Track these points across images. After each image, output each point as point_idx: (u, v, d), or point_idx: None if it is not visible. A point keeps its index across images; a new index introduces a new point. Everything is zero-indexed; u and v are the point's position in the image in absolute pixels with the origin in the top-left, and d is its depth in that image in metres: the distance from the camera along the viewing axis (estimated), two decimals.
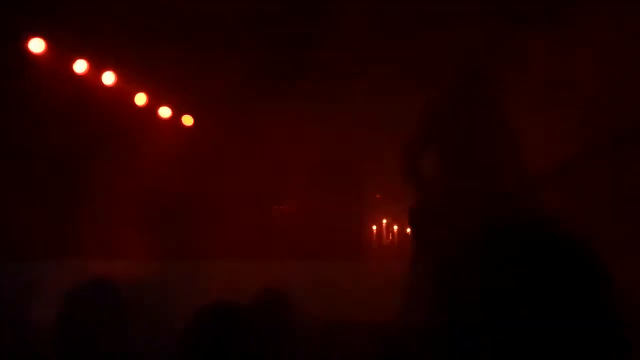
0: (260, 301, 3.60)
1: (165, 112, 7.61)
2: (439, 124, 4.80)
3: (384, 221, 8.54)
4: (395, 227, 8.48)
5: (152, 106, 7.45)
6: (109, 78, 6.89)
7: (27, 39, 6.16)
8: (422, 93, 6.21)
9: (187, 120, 7.82)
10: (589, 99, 5.27)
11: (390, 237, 8.48)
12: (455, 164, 4.70)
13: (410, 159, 4.74)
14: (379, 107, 6.78)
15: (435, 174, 4.75)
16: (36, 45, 6.17)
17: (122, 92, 7.08)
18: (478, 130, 4.70)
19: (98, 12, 6.04)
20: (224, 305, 2.75)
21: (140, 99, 7.28)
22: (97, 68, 6.76)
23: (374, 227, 8.51)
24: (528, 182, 4.65)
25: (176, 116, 7.70)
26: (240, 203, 7.49)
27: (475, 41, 5.04)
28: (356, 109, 6.87)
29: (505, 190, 4.70)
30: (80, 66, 6.61)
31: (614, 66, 5.19)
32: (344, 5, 6.22)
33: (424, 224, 4.68)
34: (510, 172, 4.73)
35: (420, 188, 4.74)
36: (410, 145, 4.76)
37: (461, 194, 4.58)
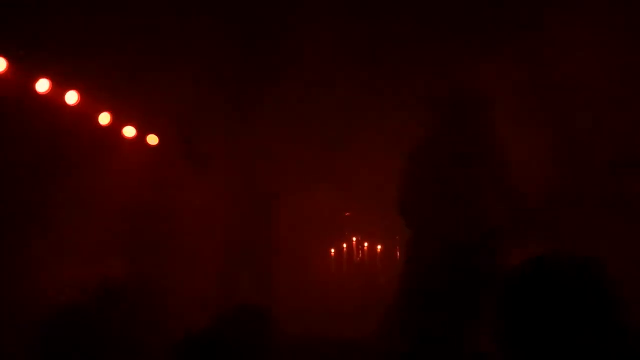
0: (236, 317, 3.56)
1: (129, 131, 7.49)
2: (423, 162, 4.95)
3: (354, 239, 8.52)
4: (365, 245, 8.47)
5: (116, 125, 7.33)
6: (72, 97, 6.76)
7: None
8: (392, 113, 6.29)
9: (152, 139, 7.70)
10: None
11: (360, 255, 8.46)
12: (441, 197, 4.84)
13: (401, 197, 4.94)
14: (348, 125, 6.79)
15: (424, 207, 4.90)
16: None
17: (86, 112, 6.95)
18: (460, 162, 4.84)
19: (60, 31, 5.96)
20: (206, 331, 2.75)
21: (104, 118, 7.15)
22: (59, 87, 6.63)
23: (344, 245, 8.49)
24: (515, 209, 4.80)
25: (141, 135, 7.59)
26: (206, 221, 7.41)
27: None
28: (326, 127, 6.87)
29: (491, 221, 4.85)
30: (43, 85, 6.47)
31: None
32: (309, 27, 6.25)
33: (417, 253, 4.87)
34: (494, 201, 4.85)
35: (412, 221, 4.93)
36: (400, 185, 4.96)
37: (448, 225, 4.75)
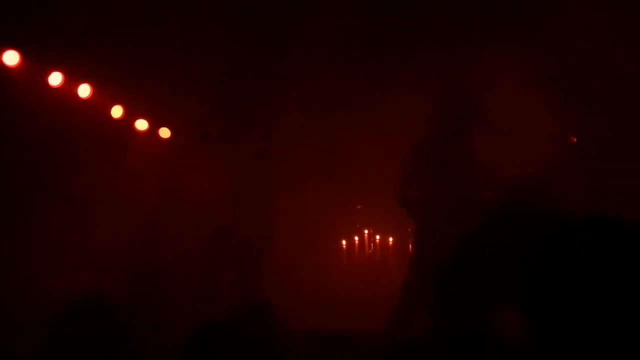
0: (244, 311, 3.56)
1: (141, 124, 7.51)
2: (427, 156, 5.00)
3: (365, 232, 8.51)
4: (377, 237, 8.46)
5: (128, 119, 7.34)
6: (84, 90, 6.78)
7: (1, 52, 6.04)
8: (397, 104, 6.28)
9: (164, 132, 7.72)
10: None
11: (372, 248, 8.45)
12: (445, 189, 4.91)
13: (404, 188, 5.01)
14: (359, 120, 6.78)
15: (428, 198, 4.95)
16: (10, 58, 6.05)
17: (98, 105, 6.97)
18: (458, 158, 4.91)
19: (73, 25, 5.96)
20: (215, 322, 2.76)
21: (117, 111, 7.17)
22: (72, 80, 6.65)
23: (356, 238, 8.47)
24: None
25: (153, 128, 7.60)
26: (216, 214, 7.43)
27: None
28: (338, 122, 6.86)
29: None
30: (55, 78, 6.49)
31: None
32: (316, 20, 6.24)
33: (427, 241, 4.91)
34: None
35: (418, 212, 4.99)
36: (403, 177, 5.03)
37: (452, 214, 4.81)
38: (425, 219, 5.07)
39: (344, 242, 8.46)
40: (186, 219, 7.21)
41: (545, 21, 5.45)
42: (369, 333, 4.88)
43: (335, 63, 6.47)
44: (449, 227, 4.81)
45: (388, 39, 6.30)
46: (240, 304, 3.67)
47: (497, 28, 5.66)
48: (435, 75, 5.54)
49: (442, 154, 5.00)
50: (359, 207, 8.34)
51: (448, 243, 4.76)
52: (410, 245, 7.65)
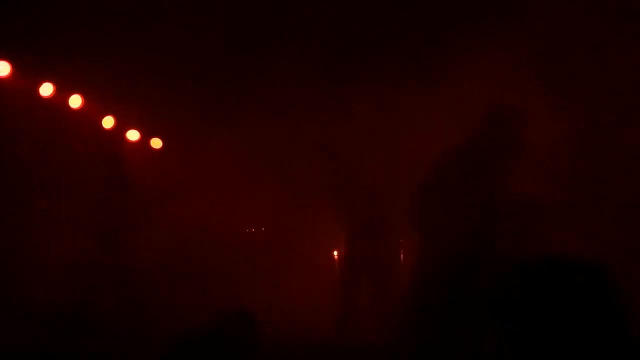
0: (224, 322, 3.56)
1: (133, 135, 7.51)
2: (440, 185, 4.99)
3: None
4: None
5: (120, 129, 7.34)
6: (75, 101, 6.78)
7: None
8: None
9: (156, 143, 7.73)
10: None
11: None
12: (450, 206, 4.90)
13: (418, 213, 5.00)
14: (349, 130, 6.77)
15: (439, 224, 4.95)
16: (1, 68, 6.05)
17: (89, 115, 6.97)
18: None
19: (64, 35, 5.97)
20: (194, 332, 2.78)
21: (108, 122, 7.17)
22: (63, 91, 6.65)
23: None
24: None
25: (144, 139, 7.61)
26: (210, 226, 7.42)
27: None
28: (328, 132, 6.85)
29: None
30: (47, 89, 6.48)
31: None
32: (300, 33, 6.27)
33: (434, 265, 4.91)
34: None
35: (428, 236, 4.98)
36: (417, 202, 5.02)
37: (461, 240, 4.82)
38: (429, 235, 5.01)
39: (335, 252, 8.46)
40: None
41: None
42: (368, 344, 4.89)
43: (313, 68, 6.47)
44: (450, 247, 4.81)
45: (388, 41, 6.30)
46: (221, 315, 3.64)
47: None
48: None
49: (457, 170, 4.93)
50: None
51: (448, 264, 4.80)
52: (401, 256, 7.66)
